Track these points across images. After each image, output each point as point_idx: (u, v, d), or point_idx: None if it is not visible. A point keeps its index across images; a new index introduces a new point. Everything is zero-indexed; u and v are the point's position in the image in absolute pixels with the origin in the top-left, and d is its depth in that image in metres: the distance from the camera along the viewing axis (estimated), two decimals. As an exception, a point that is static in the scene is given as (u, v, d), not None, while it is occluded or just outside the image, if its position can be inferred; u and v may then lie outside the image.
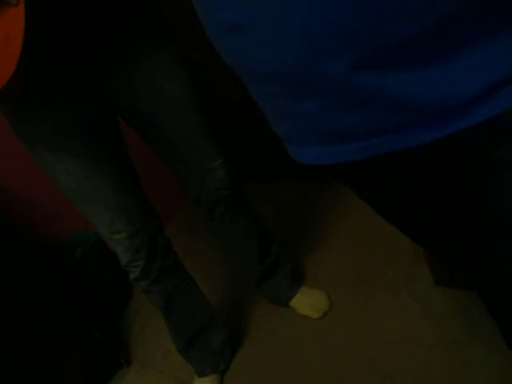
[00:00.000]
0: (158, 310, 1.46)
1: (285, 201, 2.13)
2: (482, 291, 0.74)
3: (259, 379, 1.51)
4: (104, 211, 1.23)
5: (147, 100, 1.17)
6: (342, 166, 0.61)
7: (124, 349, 1.86)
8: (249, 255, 1.57)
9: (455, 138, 0.52)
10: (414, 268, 1.54)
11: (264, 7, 0.50)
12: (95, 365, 1.74)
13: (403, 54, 0.48)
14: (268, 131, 0.72)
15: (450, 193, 0.65)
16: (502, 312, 0.71)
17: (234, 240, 1.52)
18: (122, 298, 2.08)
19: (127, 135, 1.28)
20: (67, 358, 1.65)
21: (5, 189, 1.84)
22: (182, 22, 1.46)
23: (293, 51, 0.51)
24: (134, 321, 1.98)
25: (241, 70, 0.60)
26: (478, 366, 1.22)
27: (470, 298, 1.33)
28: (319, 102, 0.55)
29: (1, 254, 1.60)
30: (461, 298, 1.38)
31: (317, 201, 2.03)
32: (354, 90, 0.51)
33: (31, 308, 1.60)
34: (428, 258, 1.45)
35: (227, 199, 1.38)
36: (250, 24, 0.52)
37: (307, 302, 1.62)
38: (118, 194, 1.23)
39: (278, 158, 2.01)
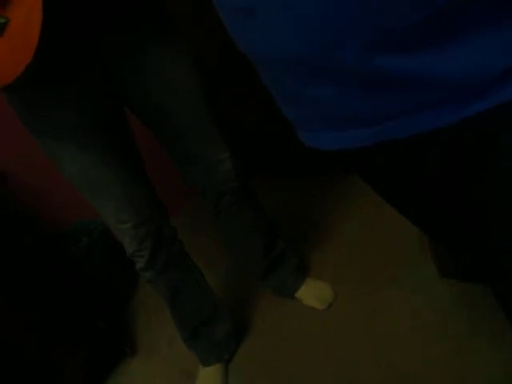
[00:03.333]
0: (163, 300, 1.46)
1: (289, 197, 2.13)
2: (489, 281, 0.73)
3: (263, 370, 1.51)
4: (109, 200, 1.23)
5: (151, 92, 1.17)
6: (353, 153, 0.61)
7: (129, 338, 1.86)
8: (252, 249, 1.57)
9: (469, 122, 0.52)
10: (419, 262, 1.53)
11: None
12: (100, 355, 1.75)
13: (412, 37, 0.48)
14: (271, 124, 0.71)
15: (456, 180, 0.65)
16: (509, 303, 0.71)
17: (238, 233, 1.52)
18: (127, 287, 2.08)
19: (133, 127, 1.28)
20: (67, 358, 1.66)
21: (10, 177, 1.84)
22: (185, 13, 1.45)
23: (302, 39, 0.51)
24: (140, 310, 1.99)
25: (251, 55, 0.60)
26: (484, 360, 1.21)
27: (476, 291, 1.32)
28: (332, 87, 0.55)
29: (6, 246, 1.61)
30: (466, 291, 1.37)
31: (321, 197, 2.02)
32: (367, 74, 0.51)
33: (32, 307, 1.61)
34: (433, 251, 1.44)
35: (234, 192, 1.38)
36: (257, 8, 0.51)
37: (312, 294, 1.62)
38: (123, 184, 1.23)
39: (282, 150, 2.01)
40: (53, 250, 1.84)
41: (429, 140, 0.57)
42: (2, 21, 0.90)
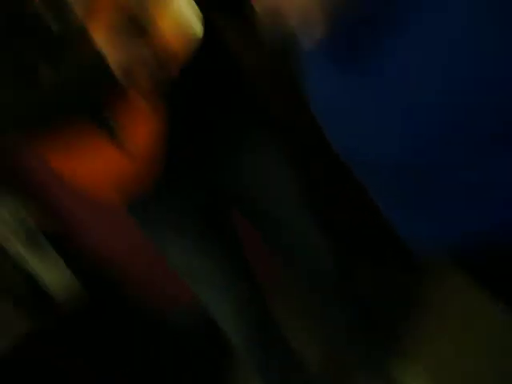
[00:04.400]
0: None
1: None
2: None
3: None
4: (211, 290, 1.23)
5: (248, 189, 1.19)
6: None
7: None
8: None
9: None
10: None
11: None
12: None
13: None
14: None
15: None
16: None
17: None
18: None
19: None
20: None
21: (117, 263, 1.91)
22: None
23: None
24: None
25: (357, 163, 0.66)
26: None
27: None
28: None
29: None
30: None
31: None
32: None
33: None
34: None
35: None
36: None
37: None
38: (230, 280, 1.22)
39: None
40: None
41: None
42: (111, 124, 0.84)
